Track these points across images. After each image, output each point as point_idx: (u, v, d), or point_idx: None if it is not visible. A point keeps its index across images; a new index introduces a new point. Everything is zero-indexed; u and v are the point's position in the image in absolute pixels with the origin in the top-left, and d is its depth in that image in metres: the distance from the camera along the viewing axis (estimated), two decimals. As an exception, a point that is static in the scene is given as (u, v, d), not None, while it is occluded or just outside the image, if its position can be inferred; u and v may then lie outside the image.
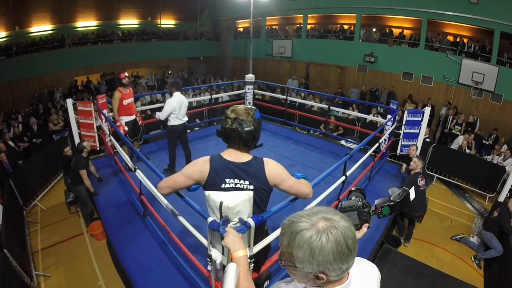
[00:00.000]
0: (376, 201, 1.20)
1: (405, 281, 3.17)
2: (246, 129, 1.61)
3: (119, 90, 4.56)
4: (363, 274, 0.93)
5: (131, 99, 4.70)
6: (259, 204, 1.75)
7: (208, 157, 1.70)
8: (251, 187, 1.66)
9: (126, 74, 4.64)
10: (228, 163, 1.65)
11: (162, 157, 5.16)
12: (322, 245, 0.73)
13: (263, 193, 1.73)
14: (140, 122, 5.01)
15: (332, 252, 0.73)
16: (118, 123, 4.56)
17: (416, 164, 4.03)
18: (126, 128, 4.62)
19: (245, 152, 1.70)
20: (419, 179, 3.93)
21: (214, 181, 1.66)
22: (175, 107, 4.30)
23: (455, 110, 8.65)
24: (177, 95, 4.36)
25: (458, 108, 8.87)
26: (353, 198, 1.17)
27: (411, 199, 1.20)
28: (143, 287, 2.78)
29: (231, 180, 1.65)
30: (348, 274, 0.85)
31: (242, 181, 1.65)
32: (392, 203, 1.19)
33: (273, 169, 1.69)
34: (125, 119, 4.70)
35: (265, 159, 1.72)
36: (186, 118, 4.55)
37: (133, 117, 4.82)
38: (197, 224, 2.43)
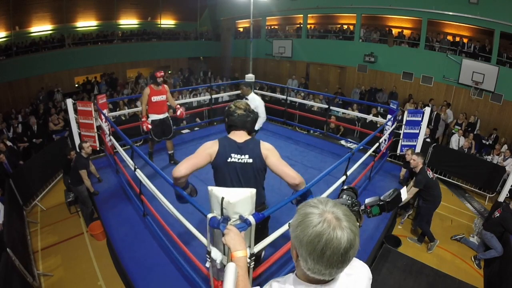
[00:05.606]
0: (366, 200, 1.18)
1: (405, 281, 3.17)
2: (256, 113, 2.17)
3: (150, 87, 4.52)
4: (352, 274, 0.90)
5: (161, 97, 4.59)
6: (256, 176, 2.07)
7: (216, 140, 2.05)
8: (250, 160, 2.02)
9: (162, 73, 4.56)
10: (233, 141, 2.04)
11: (163, 157, 5.17)
12: (309, 225, 0.73)
13: (260, 166, 2.05)
14: (182, 115, 4.86)
15: (307, 237, 0.72)
16: (143, 119, 4.51)
17: (416, 161, 4.01)
18: (150, 126, 4.54)
19: (246, 135, 2.09)
20: (427, 171, 3.92)
21: (222, 155, 2.01)
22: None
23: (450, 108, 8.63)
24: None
25: (458, 108, 8.86)
26: (344, 196, 1.16)
27: (403, 199, 1.16)
28: (143, 287, 2.78)
29: (235, 155, 2.01)
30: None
31: (243, 156, 2.02)
32: (382, 202, 1.16)
33: (266, 146, 2.06)
34: (152, 117, 4.60)
35: (261, 140, 2.09)
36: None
37: (162, 115, 4.68)
38: (197, 224, 2.43)
